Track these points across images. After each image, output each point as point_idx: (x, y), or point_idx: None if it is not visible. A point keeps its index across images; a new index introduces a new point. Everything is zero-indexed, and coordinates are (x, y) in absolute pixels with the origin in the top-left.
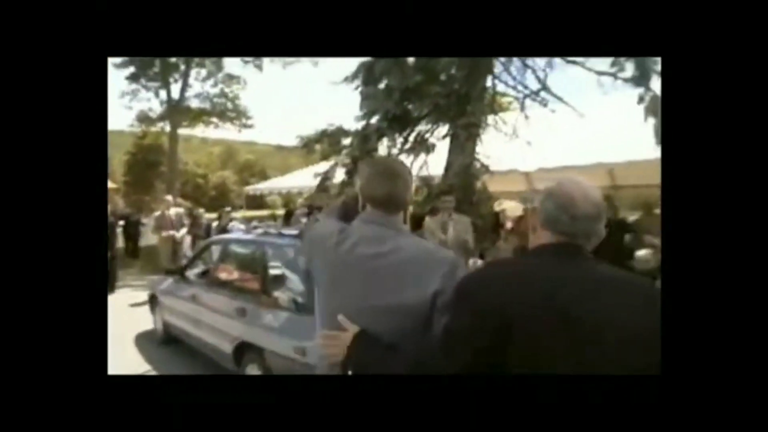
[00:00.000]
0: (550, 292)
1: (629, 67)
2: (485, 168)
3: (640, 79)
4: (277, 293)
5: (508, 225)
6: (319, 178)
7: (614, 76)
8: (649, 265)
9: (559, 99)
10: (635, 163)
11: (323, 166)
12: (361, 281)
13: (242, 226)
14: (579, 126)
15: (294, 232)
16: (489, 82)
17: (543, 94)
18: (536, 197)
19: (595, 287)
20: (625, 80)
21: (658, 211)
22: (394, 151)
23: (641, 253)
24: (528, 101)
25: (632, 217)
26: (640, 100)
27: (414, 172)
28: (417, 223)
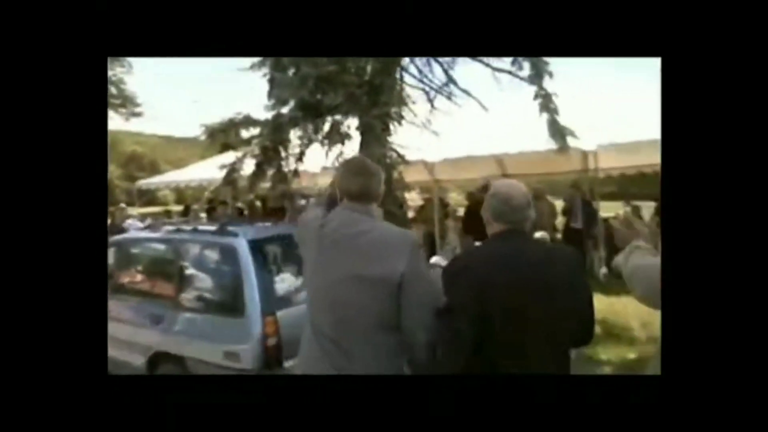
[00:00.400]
0: (512, 263)
1: (526, 66)
2: (401, 158)
3: (535, 78)
4: (184, 294)
5: (410, 214)
6: (225, 171)
7: (511, 73)
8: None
9: (466, 93)
10: (525, 154)
11: (228, 158)
12: (344, 255)
13: (140, 224)
14: (481, 119)
15: (211, 227)
16: (398, 74)
17: (448, 87)
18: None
19: (540, 256)
20: (522, 78)
21: (548, 197)
22: (306, 141)
23: (537, 234)
24: (435, 94)
25: None
26: (536, 96)
27: (329, 163)
28: None
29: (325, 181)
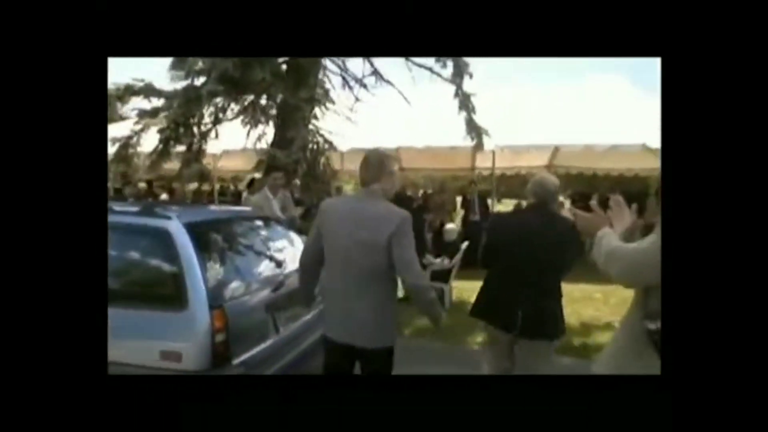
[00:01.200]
0: (530, 221)
1: (449, 65)
2: (329, 144)
3: (455, 77)
4: None
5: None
6: (116, 145)
7: (431, 71)
8: (451, 236)
9: (390, 84)
10: (431, 149)
11: (119, 130)
12: (351, 225)
13: None
14: (402, 111)
15: (132, 207)
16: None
17: (374, 78)
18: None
19: (549, 221)
20: (444, 79)
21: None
22: (218, 118)
23: (448, 226)
24: (356, 84)
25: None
26: (456, 95)
27: (250, 144)
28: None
29: (228, 164)
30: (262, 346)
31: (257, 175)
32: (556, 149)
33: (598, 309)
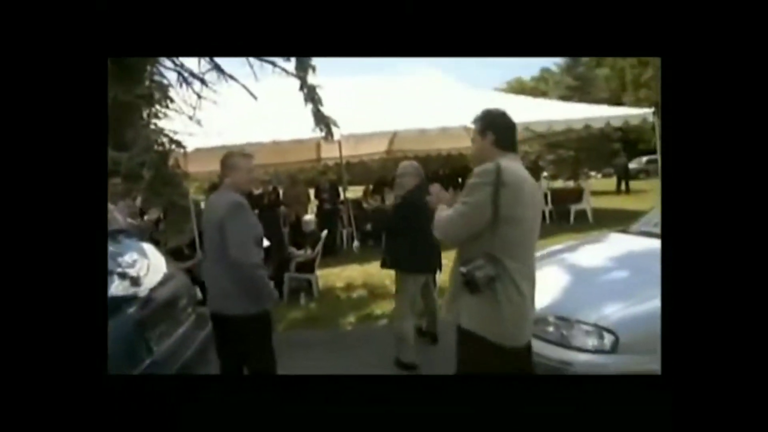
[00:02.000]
0: (425, 195)
1: (292, 59)
2: (178, 144)
3: (299, 71)
4: None
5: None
6: None
7: (274, 65)
8: (310, 227)
9: (234, 79)
10: (279, 143)
11: None
12: (205, 213)
13: None
14: (248, 107)
15: None
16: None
17: (209, 75)
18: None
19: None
20: (288, 73)
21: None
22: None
23: (306, 218)
24: (195, 80)
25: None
26: (301, 87)
27: None
28: None
29: None
30: (136, 372)
31: None
32: (395, 135)
33: None
